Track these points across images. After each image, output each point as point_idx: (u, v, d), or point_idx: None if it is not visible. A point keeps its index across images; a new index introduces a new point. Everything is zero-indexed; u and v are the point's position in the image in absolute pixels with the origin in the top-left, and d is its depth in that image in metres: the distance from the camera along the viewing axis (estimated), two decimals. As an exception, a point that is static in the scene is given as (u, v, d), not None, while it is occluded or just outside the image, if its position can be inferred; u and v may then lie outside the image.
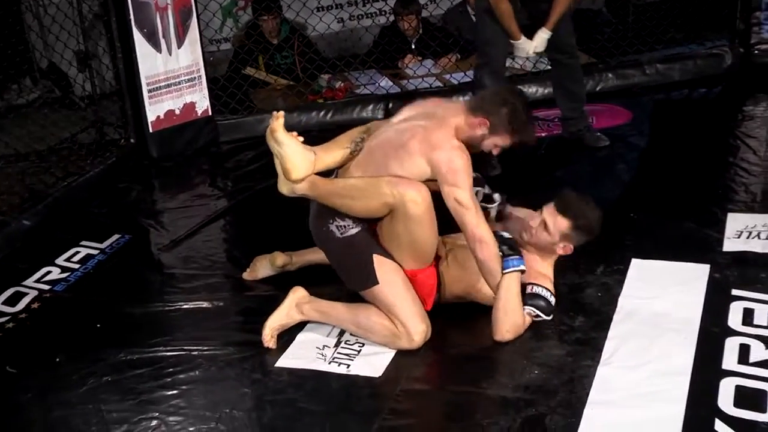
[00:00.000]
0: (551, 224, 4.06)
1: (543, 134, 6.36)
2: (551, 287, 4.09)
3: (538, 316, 4.02)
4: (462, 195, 3.89)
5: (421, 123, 4.04)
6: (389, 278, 3.96)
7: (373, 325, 3.99)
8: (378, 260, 3.97)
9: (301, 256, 4.67)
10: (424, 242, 3.97)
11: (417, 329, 3.92)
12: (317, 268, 4.55)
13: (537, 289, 4.03)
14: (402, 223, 3.90)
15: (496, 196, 4.29)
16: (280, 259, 4.63)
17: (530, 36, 5.65)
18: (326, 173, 4.14)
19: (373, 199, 3.93)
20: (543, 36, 5.65)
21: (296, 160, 3.97)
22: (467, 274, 4.13)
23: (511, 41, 5.68)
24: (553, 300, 4.05)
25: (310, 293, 4.16)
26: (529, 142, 4.17)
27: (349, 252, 4.04)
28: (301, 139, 4.01)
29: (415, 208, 3.87)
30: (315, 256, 4.60)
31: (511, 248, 3.99)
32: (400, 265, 3.99)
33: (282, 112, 3.97)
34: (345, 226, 4.02)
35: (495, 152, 4.13)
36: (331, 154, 4.15)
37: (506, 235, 4.05)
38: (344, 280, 4.15)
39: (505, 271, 3.94)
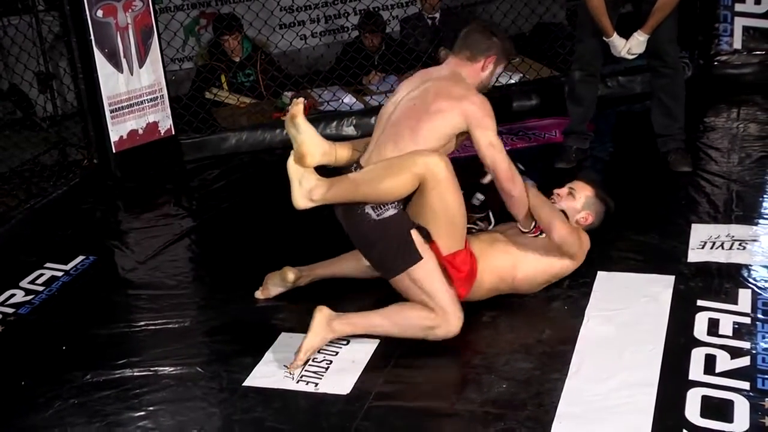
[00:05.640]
0: (577, 189, 4.43)
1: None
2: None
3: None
4: (494, 137, 4.08)
5: (433, 85, 4.17)
6: (429, 256, 4.01)
7: (410, 321, 4.03)
8: (416, 236, 4.01)
9: (311, 270, 4.65)
10: (457, 206, 4.04)
11: (456, 314, 4.03)
12: (326, 284, 4.61)
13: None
14: (435, 192, 3.96)
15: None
16: (290, 274, 4.56)
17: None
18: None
19: (401, 173, 3.97)
20: (639, 38, 5.54)
21: (312, 146, 4.08)
22: (499, 260, 4.25)
23: (604, 38, 5.62)
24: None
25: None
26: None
27: (386, 233, 4.04)
28: None
29: (443, 171, 3.96)
30: (324, 270, 4.64)
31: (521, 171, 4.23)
32: (436, 249, 4.03)
33: (302, 99, 4.16)
34: (381, 206, 4.04)
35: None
36: (346, 150, 4.30)
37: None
38: (379, 266, 4.16)
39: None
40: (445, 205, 4.00)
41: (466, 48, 4.26)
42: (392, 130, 4.15)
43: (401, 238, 4.01)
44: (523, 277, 4.28)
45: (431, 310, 4.00)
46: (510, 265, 4.25)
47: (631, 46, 5.58)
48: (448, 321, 4.00)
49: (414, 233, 4.01)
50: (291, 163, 4.04)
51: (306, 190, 4.00)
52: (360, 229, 4.11)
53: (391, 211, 4.04)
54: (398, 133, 4.11)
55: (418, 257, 3.99)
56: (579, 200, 4.44)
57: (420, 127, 4.07)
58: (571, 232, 4.26)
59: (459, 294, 4.10)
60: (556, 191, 4.48)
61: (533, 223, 4.21)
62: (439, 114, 4.07)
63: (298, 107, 4.09)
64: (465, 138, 4.19)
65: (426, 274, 4.00)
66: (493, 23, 4.33)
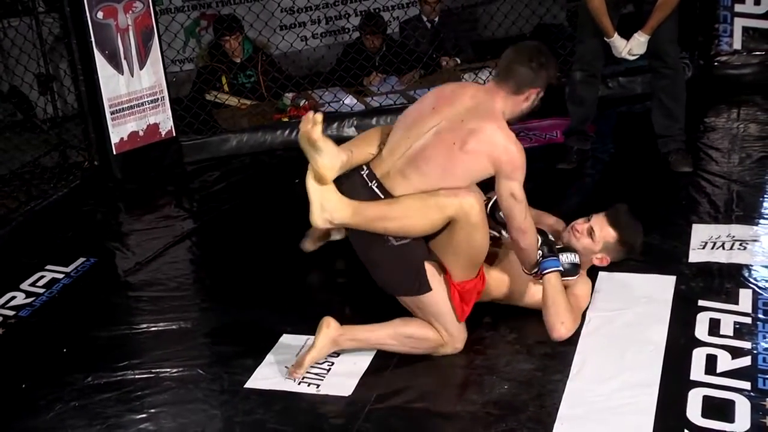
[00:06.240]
0: (598, 232, 4.25)
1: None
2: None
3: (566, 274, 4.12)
4: (517, 189, 3.90)
5: (471, 124, 3.88)
6: (439, 286, 3.96)
7: (417, 341, 4.00)
8: (429, 267, 3.95)
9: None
10: (481, 247, 3.96)
11: (461, 337, 4.02)
12: (327, 286, 4.74)
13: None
14: (464, 232, 3.86)
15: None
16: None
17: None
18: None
19: (433, 215, 3.85)
20: (639, 39, 5.55)
21: (332, 164, 3.84)
22: (508, 279, 4.21)
23: (605, 39, 5.63)
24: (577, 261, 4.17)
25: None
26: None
27: (401, 258, 3.95)
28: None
29: (477, 215, 3.85)
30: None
31: (550, 249, 4.08)
32: (449, 276, 3.97)
33: (320, 116, 3.76)
34: None
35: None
36: (362, 152, 4.06)
37: (548, 234, 4.16)
38: (387, 286, 4.06)
39: (544, 273, 4.04)
40: (470, 245, 3.91)
41: (512, 80, 3.95)
42: (420, 159, 3.91)
43: (414, 268, 3.94)
44: (518, 297, 4.25)
45: (437, 329, 3.99)
46: (506, 289, 4.23)
47: (631, 46, 5.58)
48: (453, 343, 4.00)
49: (428, 265, 3.94)
50: (310, 182, 3.85)
51: (328, 212, 3.86)
52: (372, 247, 4.00)
53: (408, 239, 3.95)
54: (427, 167, 3.89)
55: (426, 289, 3.94)
56: (598, 243, 4.27)
57: (453, 166, 3.87)
58: (569, 330, 4.06)
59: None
60: (576, 226, 4.30)
61: (535, 270, 4.10)
62: (474, 156, 3.85)
63: (316, 129, 3.76)
64: None
65: (433, 302, 3.96)
66: (538, 45, 4.04)
